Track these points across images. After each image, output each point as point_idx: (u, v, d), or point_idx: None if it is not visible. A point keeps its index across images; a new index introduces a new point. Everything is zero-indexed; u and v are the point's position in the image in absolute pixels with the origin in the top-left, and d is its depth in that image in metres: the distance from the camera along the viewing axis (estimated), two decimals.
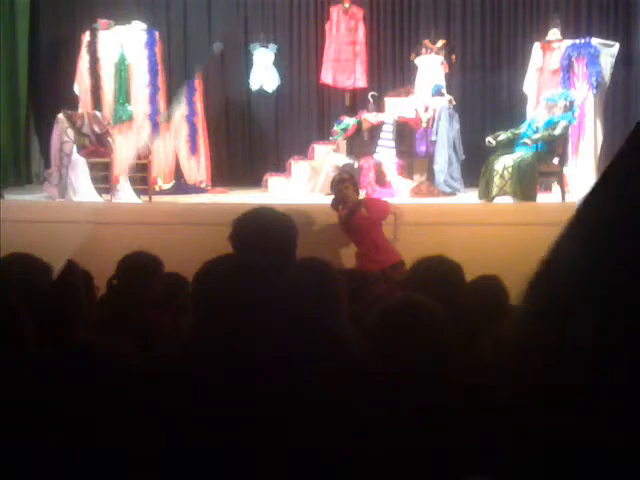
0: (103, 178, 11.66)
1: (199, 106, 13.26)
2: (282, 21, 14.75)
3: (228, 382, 2.75)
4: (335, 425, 2.63)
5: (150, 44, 13.09)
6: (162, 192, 12.40)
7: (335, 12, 13.89)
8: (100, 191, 11.38)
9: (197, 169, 13.21)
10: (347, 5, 13.80)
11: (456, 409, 2.61)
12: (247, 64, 14.22)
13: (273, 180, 12.73)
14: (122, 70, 12.96)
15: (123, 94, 12.97)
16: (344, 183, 8.87)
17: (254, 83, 14.08)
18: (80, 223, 9.52)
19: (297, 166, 12.59)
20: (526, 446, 0.74)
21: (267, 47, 14.09)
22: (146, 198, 11.47)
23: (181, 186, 12.94)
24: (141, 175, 11.76)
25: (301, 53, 14.76)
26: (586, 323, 0.69)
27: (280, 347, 2.95)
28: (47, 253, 3.71)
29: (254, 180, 13.26)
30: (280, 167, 13.26)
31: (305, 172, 12.46)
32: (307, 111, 14.82)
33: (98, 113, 12.14)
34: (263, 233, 3.97)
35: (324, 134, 13.79)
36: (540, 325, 0.74)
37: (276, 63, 14.12)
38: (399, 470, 2.58)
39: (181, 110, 13.07)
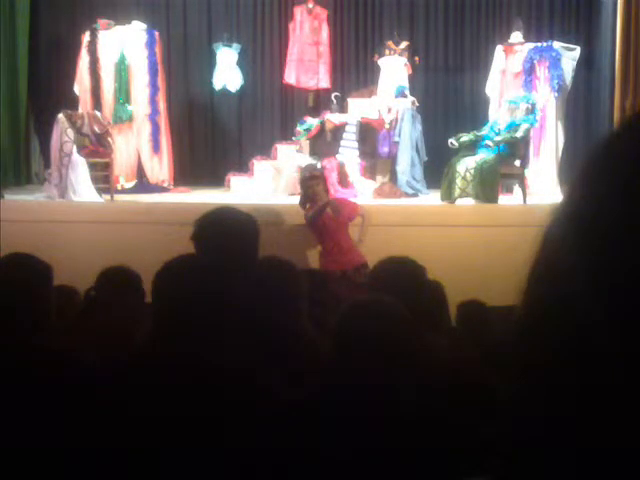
0: (103, 178, 11.68)
1: (162, 105, 13.22)
2: (246, 21, 14.73)
3: (189, 382, 2.74)
4: (301, 425, 2.63)
5: (150, 44, 13.10)
6: (124, 191, 12.34)
7: (299, 12, 13.90)
8: (100, 191, 11.36)
9: (159, 168, 13.15)
10: (311, 5, 13.81)
11: (424, 406, 2.62)
12: (210, 63, 14.21)
13: (236, 180, 12.69)
14: (122, 70, 12.95)
15: (123, 94, 12.96)
16: (315, 180, 8.85)
17: (217, 83, 14.06)
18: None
19: (260, 166, 12.56)
20: (526, 446, 0.74)
21: (230, 47, 14.08)
22: (108, 197, 11.41)
23: (143, 185, 12.89)
24: (103, 174, 11.70)
25: (264, 53, 14.75)
26: (589, 321, 0.69)
27: (243, 346, 2.95)
28: (47, 253, 3.68)
29: (217, 180, 13.23)
30: (243, 167, 13.23)
31: (268, 172, 12.43)
32: (270, 111, 14.81)
33: (98, 113, 12.13)
34: (225, 232, 3.95)
35: (287, 134, 13.78)
36: (541, 325, 0.74)
37: (239, 63, 14.11)
38: (368, 471, 2.58)
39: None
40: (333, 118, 12.73)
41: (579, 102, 13.79)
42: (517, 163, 11.01)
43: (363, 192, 11.71)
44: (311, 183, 8.78)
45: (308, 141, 12.69)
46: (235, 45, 14.13)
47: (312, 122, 12.86)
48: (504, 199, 11.01)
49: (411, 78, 13.51)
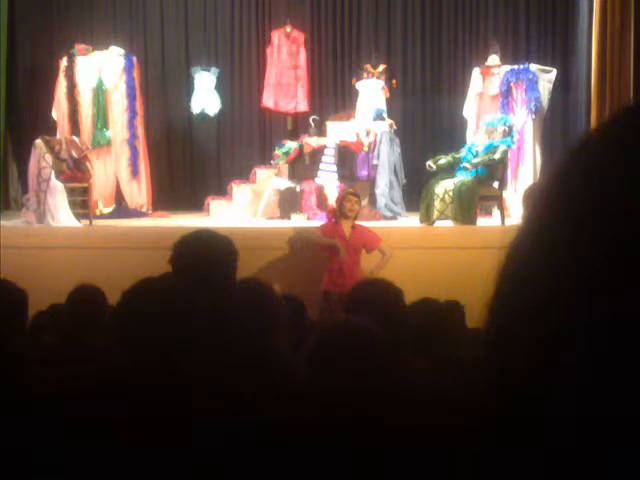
0: (82, 203, 11.68)
1: (140, 130, 13.21)
2: (223, 45, 14.78)
3: (158, 401, 2.72)
4: (271, 443, 2.62)
5: (128, 69, 13.12)
6: (102, 216, 12.30)
7: (276, 36, 13.95)
8: (79, 216, 11.32)
9: (138, 193, 13.13)
10: (288, 29, 13.86)
11: (392, 432, 2.61)
12: (188, 88, 14.23)
13: (215, 204, 12.69)
14: (100, 95, 12.97)
15: (101, 119, 12.97)
16: (355, 197, 8.83)
17: (196, 106, 14.07)
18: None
19: (239, 190, 12.57)
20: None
21: (209, 71, 14.10)
22: (86, 222, 11.36)
23: (122, 210, 12.86)
24: (81, 199, 11.67)
25: (243, 77, 14.79)
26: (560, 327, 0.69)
27: (216, 364, 2.93)
28: (25, 279, 3.66)
29: (196, 204, 13.24)
30: (222, 191, 13.23)
31: (247, 196, 12.45)
32: (249, 135, 14.83)
33: (76, 138, 12.11)
34: (202, 254, 3.94)
35: (266, 158, 13.79)
36: (509, 337, 0.74)
37: (217, 87, 14.13)
38: None
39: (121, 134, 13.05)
40: (311, 141, 12.75)
41: (556, 123, 13.87)
42: (495, 185, 11.05)
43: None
44: (350, 197, 8.75)
45: (287, 165, 12.70)
46: (213, 69, 14.16)
47: (290, 146, 12.88)
48: (483, 221, 11.04)
49: (389, 101, 13.56)
